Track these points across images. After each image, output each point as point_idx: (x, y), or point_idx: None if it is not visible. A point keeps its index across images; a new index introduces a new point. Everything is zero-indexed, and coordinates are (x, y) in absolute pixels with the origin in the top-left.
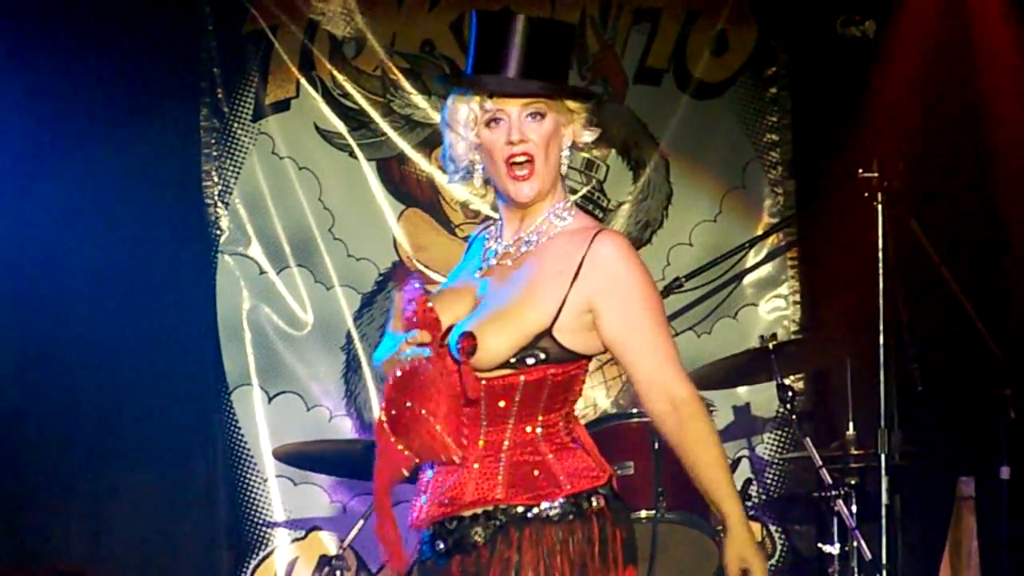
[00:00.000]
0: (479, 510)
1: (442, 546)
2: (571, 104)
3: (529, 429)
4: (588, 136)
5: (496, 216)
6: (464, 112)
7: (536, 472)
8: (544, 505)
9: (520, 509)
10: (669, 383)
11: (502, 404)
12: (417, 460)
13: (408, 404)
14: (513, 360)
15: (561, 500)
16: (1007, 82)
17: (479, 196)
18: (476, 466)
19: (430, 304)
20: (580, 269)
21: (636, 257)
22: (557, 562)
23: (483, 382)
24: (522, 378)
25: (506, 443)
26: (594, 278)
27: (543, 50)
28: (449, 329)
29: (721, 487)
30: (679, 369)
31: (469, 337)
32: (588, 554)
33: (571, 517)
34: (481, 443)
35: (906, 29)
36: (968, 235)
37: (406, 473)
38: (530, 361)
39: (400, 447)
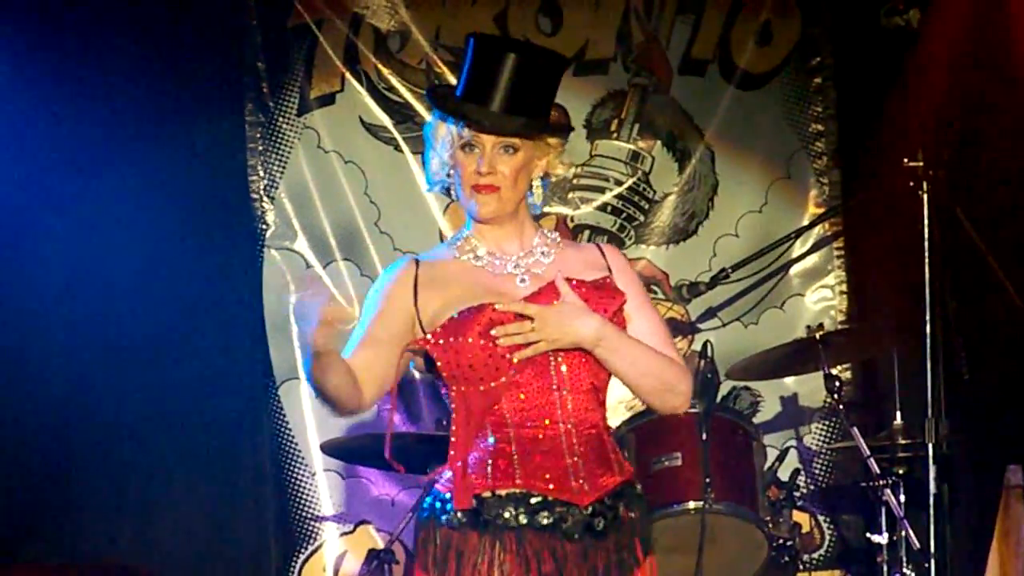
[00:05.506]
0: (618, 487)
1: (602, 524)
2: (550, 140)
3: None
4: (561, 170)
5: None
6: (443, 133)
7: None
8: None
9: (628, 484)
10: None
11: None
12: None
13: None
14: None
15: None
16: None
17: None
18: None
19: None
20: (612, 273)
21: None
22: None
23: None
24: None
25: (603, 428)
26: (621, 278)
27: (529, 87)
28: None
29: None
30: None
31: None
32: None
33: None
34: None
35: (946, 15)
36: (1015, 223)
37: None
38: None
39: None
